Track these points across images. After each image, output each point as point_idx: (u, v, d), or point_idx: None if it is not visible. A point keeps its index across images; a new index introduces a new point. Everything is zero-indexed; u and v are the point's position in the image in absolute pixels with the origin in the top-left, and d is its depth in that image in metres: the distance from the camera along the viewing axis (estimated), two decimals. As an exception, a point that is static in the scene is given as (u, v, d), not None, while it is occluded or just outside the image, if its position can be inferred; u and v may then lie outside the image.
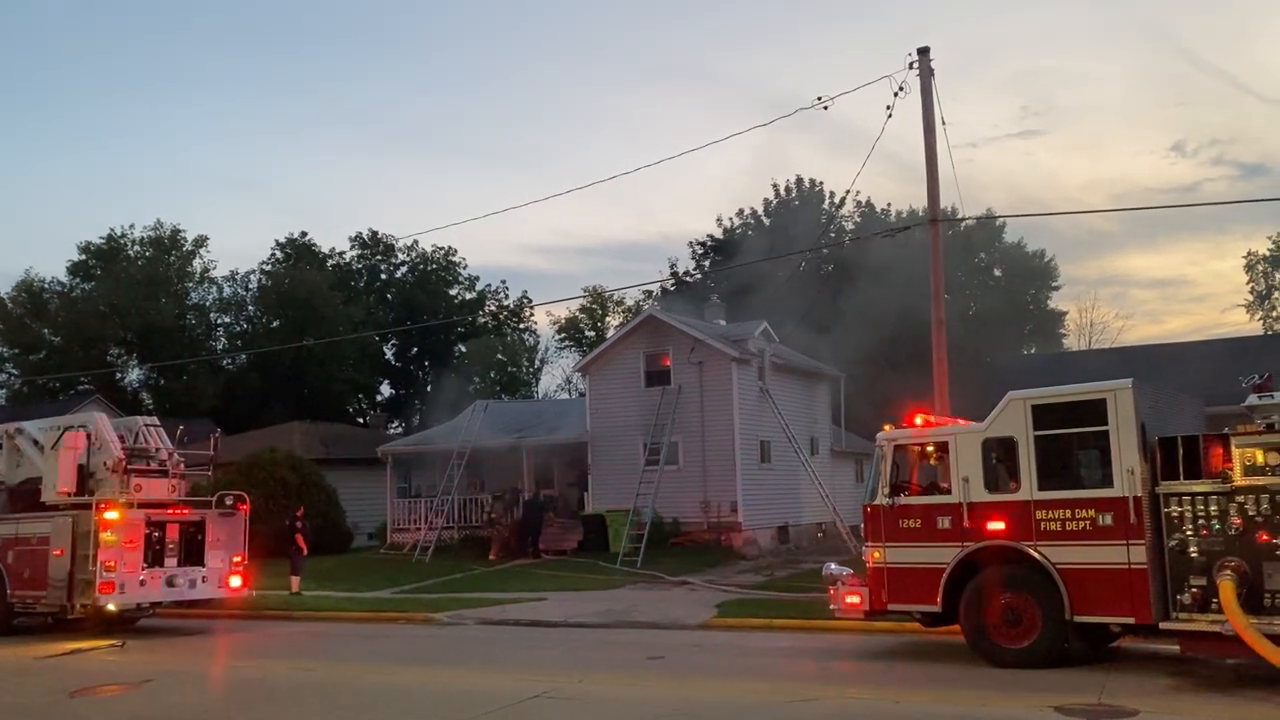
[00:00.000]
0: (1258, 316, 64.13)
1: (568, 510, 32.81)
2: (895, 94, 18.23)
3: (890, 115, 18.35)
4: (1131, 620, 11.33)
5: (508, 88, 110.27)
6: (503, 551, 30.02)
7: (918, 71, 18.27)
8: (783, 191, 56.44)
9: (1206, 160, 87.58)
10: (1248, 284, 64.67)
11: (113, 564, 17.09)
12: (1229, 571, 10.61)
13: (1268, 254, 63.25)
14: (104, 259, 61.08)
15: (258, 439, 39.72)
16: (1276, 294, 64.07)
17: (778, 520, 31.96)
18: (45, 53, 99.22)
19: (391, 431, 58.63)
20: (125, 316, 56.67)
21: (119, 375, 58.16)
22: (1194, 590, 10.94)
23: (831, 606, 13.74)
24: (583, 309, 66.98)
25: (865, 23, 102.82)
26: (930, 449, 13.24)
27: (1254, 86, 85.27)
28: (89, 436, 18.48)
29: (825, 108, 19.38)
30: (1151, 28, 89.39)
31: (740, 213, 57.38)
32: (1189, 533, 11.05)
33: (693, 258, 58.71)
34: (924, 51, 18.30)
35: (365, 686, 12.36)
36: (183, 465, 19.33)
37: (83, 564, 17.21)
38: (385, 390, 68.68)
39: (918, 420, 13.60)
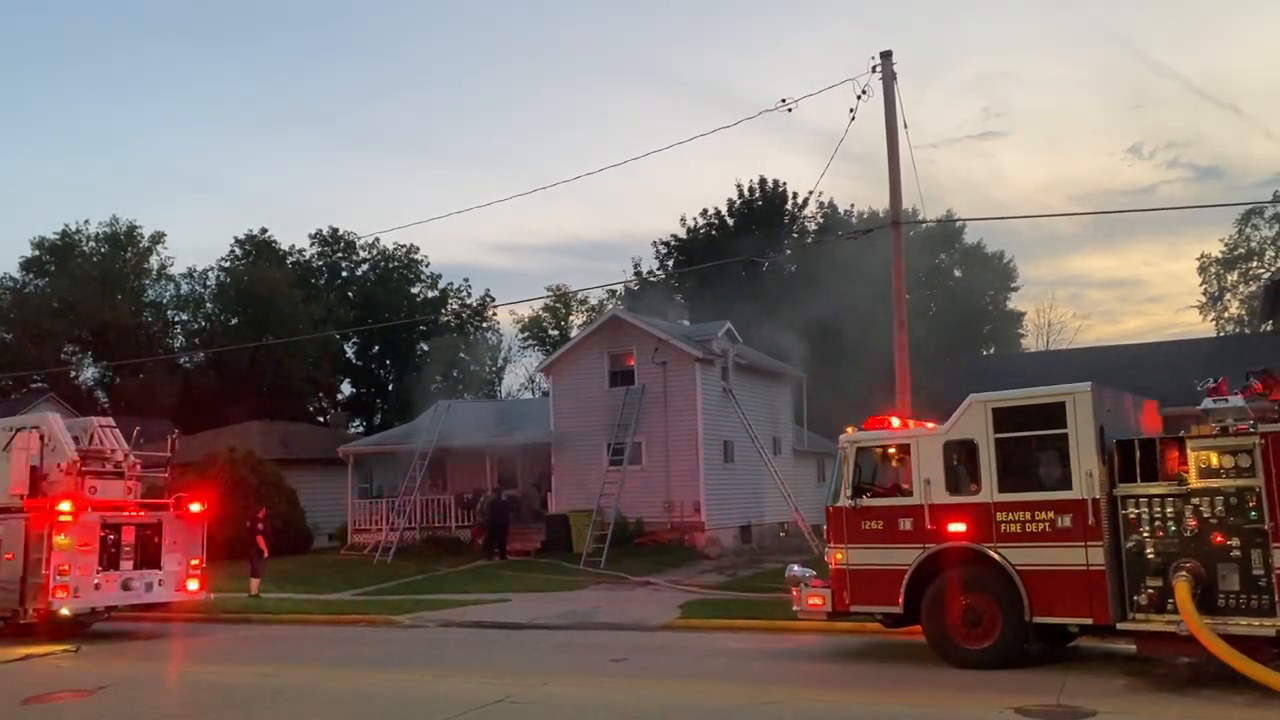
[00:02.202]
0: (1210, 318, 65.39)
1: (531, 511, 32.69)
2: (858, 97, 18.37)
3: (853, 119, 18.49)
4: (1090, 621, 11.46)
5: (471, 85, 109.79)
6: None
7: (880, 75, 18.40)
8: (746, 192, 56.63)
9: (1163, 163, 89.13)
10: (1201, 286, 65.95)
11: (66, 568, 16.80)
12: (1184, 573, 10.76)
13: (1220, 256, 64.50)
14: (58, 255, 59.98)
15: (216, 438, 39.22)
16: (1229, 296, 65.34)
17: (740, 520, 32.07)
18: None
19: (352, 430, 58.14)
20: (80, 314, 55.69)
21: (73, 373, 57.16)
22: (1150, 591, 11.09)
23: (794, 608, 13.79)
24: (546, 308, 66.83)
25: (829, 22, 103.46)
26: (892, 451, 13.33)
27: (1208, 90, 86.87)
28: (42, 437, 18.18)
29: (789, 110, 19.58)
30: (1109, 31, 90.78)
31: (704, 213, 57.55)
32: (1146, 534, 11.20)
33: (656, 257, 58.81)
34: (887, 55, 18.42)
35: (326, 692, 12.25)
36: (139, 466, 19.05)
37: (35, 568, 16.88)
38: (346, 389, 68.02)
39: (887, 423, 13.70)
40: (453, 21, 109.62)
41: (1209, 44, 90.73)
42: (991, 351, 61.67)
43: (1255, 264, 63.93)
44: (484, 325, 68.70)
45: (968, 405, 12.57)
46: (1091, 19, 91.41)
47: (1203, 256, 65.38)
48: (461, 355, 63.28)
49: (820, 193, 70.24)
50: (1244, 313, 62.22)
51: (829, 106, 20.97)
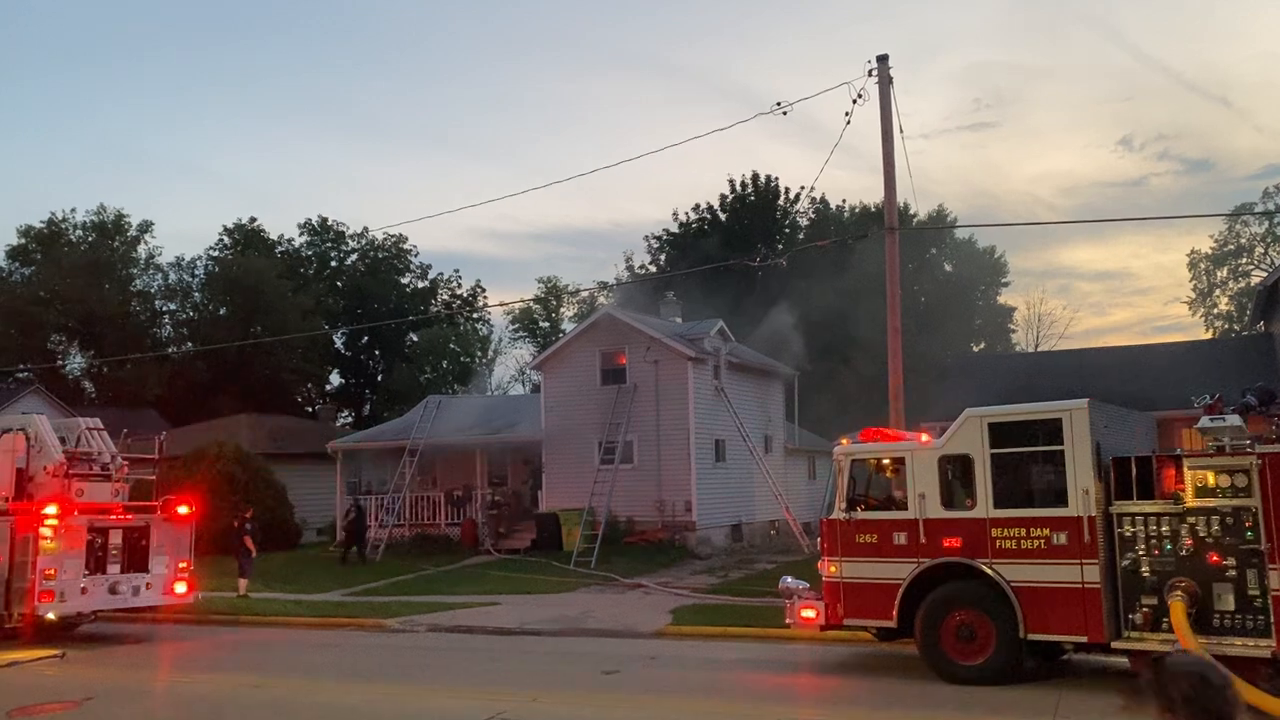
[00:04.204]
0: (1199, 314, 65.60)
1: (521, 509, 32.59)
2: (854, 101, 18.21)
3: (848, 123, 18.39)
4: (1084, 639, 11.44)
5: (462, 74, 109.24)
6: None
7: (876, 79, 18.26)
8: (739, 187, 56.47)
9: (1152, 155, 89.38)
10: (1190, 281, 66.14)
11: (52, 572, 16.60)
12: (1180, 592, 10.73)
13: (1210, 252, 64.65)
14: (44, 244, 59.47)
15: (204, 431, 38.99)
16: (1218, 292, 65.52)
17: (731, 519, 32.01)
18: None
19: (341, 423, 57.93)
20: (67, 303, 55.27)
21: (60, 363, 56.76)
22: (1145, 610, 11.05)
23: (787, 620, 13.71)
24: (536, 299, 66.60)
25: (822, 12, 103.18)
26: (887, 463, 13.26)
27: (1198, 83, 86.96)
28: (28, 439, 17.95)
29: (785, 113, 19.44)
30: (1100, 23, 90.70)
31: (696, 207, 57.41)
32: (1141, 553, 11.16)
33: (648, 252, 58.63)
34: (883, 59, 18.28)
35: (316, 705, 12.15)
36: (126, 468, 18.85)
37: (21, 571, 16.66)
38: (335, 380, 67.74)
39: (882, 435, 13.62)
40: (444, 10, 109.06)
41: (1198, 36, 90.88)
42: (982, 347, 61.78)
43: (1245, 260, 64.16)
44: (474, 316, 68.45)
45: (964, 420, 12.50)
46: (1082, 10, 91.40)
47: (1193, 252, 65.62)
48: (452, 347, 63.04)
49: (812, 188, 70.05)
50: (1233, 309, 62.42)
51: (824, 98, 20.77)
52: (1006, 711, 10.45)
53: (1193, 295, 66.07)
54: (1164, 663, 3.37)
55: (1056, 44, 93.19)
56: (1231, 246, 64.00)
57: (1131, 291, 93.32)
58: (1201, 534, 10.85)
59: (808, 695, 12.07)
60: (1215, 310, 64.98)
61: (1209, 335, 60.42)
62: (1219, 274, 65.08)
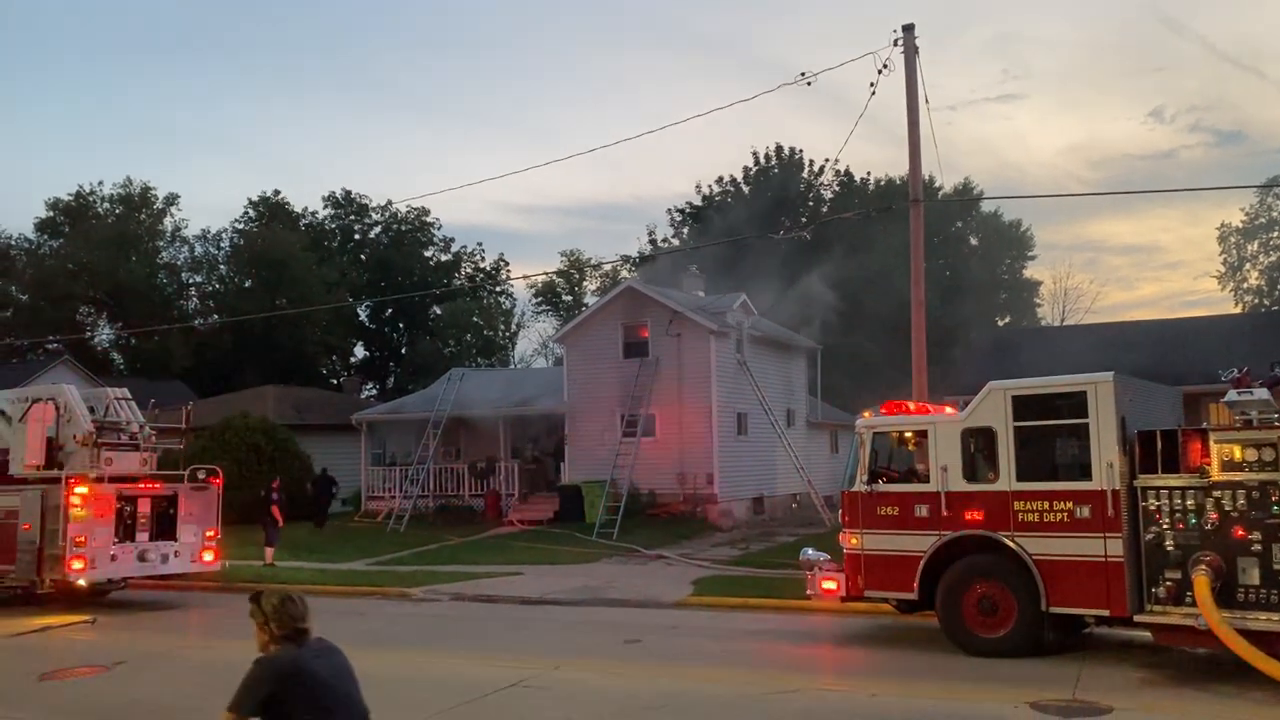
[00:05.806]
0: (1229, 288, 64.72)
1: (544, 480, 32.77)
2: (879, 71, 18.07)
3: (874, 93, 18.26)
4: (1107, 612, 11.41)
5: (484, 45, 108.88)
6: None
7: (902, 49, 18.08)
8: (762, 159, 56.13)
9: (1184, 126, 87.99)
10: (1220, 255, 65.21)
11: (83, 539, 16.88)
12: (1204, 566, 10.65)
13: (1240, 226, 63.67)
14: (72, 216, 60.05)
15: (230, 403, 39.32)
16: (1248, 266, 64.59)
17: (753, 491, 32.07)
18: (10, 4, 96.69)
19: (365, 395, 58.27)
20: (95, 275, 55.82)
21: (89, 334, 57.39)
22: (1169, 584, 10.99)
23: (808, 592, 13.76)
24: (559, 272, 66.63)
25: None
26: (909, 436, 13.24)
27: (1231, 53, 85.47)
28: (58, 408, 18.19)
29: (809, 84, 19.30)
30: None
31: (720, 180, 57.14)
32: (1165, 526, 11.09)
33: (671, 225, 58.46)
34: (909, 29, 18.11)
35: (340, 671, 12.28)
36: (154, 438, 19.07)
37: (52, 538, 16.98)
38: (359, 352, 68.12)
39: (904, 408, 13.60)
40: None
41: (1232, 6, 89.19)
42: (1007, 321, 61.38)
43: (1276, 234, 63.17)
44: (497, 290, 68.55)
45: (987, 392, 12.44)
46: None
47: (1223, 225, 64.62)
48: (475, 320, 63.22)
49: (837, 160, 69.58)
50: (1263, 283, 61.57)
51: (848, 69, 20.65)
52: (1027, 684, 10.44)
53: (1222, 269, 65.15)
54: (258, 596, 4.87)
55: (1087, 14, 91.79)
56: (1263, 220, 62.97)
57: (1160, 265, 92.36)
58: (1227, 508, 10.75)
59: (828, 666, 12.13)
60: (1245, 284, 64.07)
61: (1238, 310, 59.67)
62: (1249, 248, 64.06)
